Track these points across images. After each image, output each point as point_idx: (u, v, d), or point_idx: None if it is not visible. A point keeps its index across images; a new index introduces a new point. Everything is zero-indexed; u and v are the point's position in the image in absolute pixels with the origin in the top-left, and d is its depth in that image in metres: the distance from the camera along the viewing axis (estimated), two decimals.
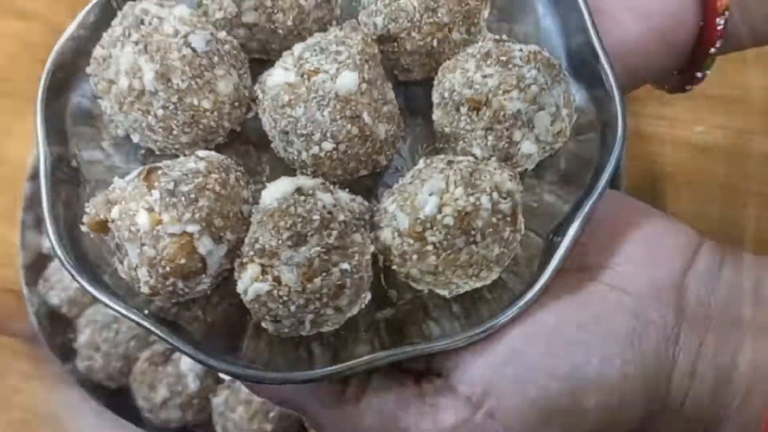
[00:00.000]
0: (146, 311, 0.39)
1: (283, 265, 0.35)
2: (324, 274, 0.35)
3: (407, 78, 0.43)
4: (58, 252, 0.39)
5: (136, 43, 0.38)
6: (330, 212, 0.36)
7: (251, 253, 0.36)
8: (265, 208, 0.37)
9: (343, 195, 0.38)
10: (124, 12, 0.40)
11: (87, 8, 0.44)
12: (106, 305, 0.38)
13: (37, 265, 0.72)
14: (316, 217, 0.35)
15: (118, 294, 0.39)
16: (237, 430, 0.62)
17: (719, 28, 0.44)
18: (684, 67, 0.47)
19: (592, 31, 0.42)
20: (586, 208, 0.39)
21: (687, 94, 0.55)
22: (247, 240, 0.37)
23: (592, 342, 0.36)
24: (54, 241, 0.39)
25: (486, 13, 0.43)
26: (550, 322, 0.37)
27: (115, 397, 0.67)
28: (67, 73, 0.43)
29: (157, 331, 0.38)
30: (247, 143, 0.43)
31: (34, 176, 0.73)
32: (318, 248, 0.35)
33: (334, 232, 0.35)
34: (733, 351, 0.36)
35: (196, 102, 0.39)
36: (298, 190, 0.37)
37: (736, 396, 0.36)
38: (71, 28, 0.43)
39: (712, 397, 0.37)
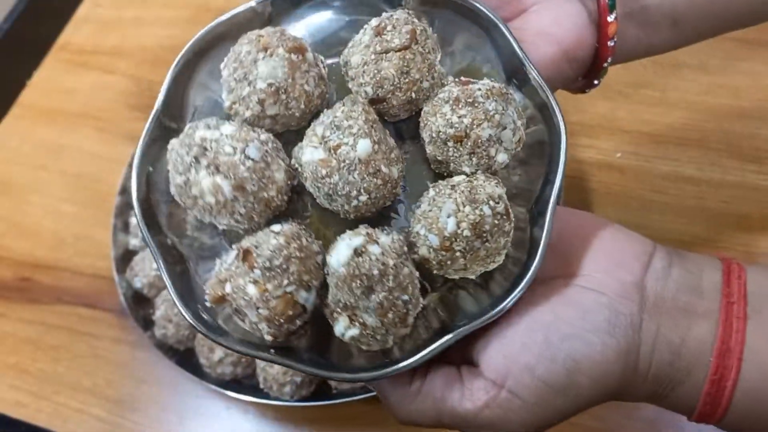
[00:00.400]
0: (271, 350, 0.44)
1: (363, 313, 0.42)
2: (392, 308, 0.41)
3: (395, 119, 0.48)
4: (190, 320, 0.44)
5: (208, 166, 0.42)
6: (383, 263, 0.41)
7: (338, 309, 0.42)
8: (337, 274, 0.42)
9: (385, 239, 0.43)
10: (186, 142, 0.43)
11: (144, 135, 0.47)
12: (238, 351, 0.44)
13: (125, 257, 0.77)
14: (375, 272, 0.41)
15: (240, 339, 0.45)
16: (273, 381, 0.67)
17: (610, 47, 0.49)
18: (585, 76, 0.52)
19: (514, 44, 0.47)
20: (557, 182, 0.45)
21: (608, 129, 0.66)
22: (331, 297, 0.43)
23: (579, 333, 0.41)
24: (184, 313, 0.44)
25: (438, 57, 0.47)
26: (547, 320, 0.42)
27: (183, 356, 0.72)
28: (148, 179, 0.48)
29: (281, 361, 0.44)
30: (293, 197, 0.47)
31: (122, 192, 0.81)
32: (383, 293, 0.41)
33: (390, 277, 0.41)
34: (682, 333, 0.42)
35: (266, 195, 0.44)
36: (355, 251, 0.41)
37: (686, 365, 0.41)
38: (139, 150, 0.47)
39: (668, 367, 0.42)
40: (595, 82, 0.52)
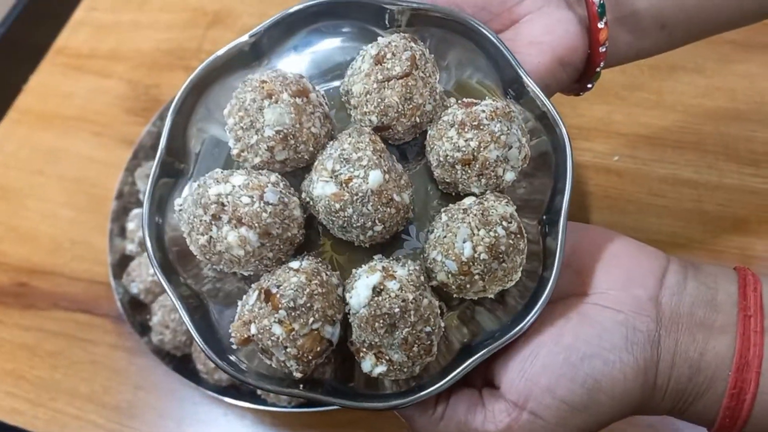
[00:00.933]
0: (301, 385, 0.44)
1: (389, 350, 0.42)
2: (417, 342, 0.42)
3: (400, 143, 0.48)
4: (222, 367, 0.44)
5: (230, 221, 0.42)
6: (403, 299, 0.41)
7: (363, 348, 0.43)
8: (359, 315, 0.42)
9: (402, 273, 0.43)
10: (201, 202, 0.43)
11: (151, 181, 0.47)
12: (267, 389, 0.44)
13: (121, 263, 0.77)
14: (396, 309, 0.41)
15: (266, 376, 0.45)
16: None
17: (601, 53, 0.49)
18: (578, 80, 0.52)
19: (509, 56, 0.47)
20: (567, 191, 0.45)
21: (605, 132, 0.66)
22: (355, 337, 0.43)
23: (598, 352, 0.42)
24: (218, 362, 0.44)
25: (438, 78, 0.47)
26: (566, 341, 0.42)
27: (180, 362, 0.72)
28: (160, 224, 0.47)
29: (310, 396, 0.44)
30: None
31: (119, 196, 0.80)
32: (407, 329, 0.42)
33: (412, 312, 0.41)
34: (700, 348, 0.42)
35: (289, 234, 0.44)
36: (374, 290, 0.42)
37: (704, 380, 0.42)
38: (146, 202, 0.47)
39: (687, 382, 0.42)
40: (589, 85, 0.53)
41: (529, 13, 0.50)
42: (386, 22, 0.50)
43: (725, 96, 0.77)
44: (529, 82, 0.47)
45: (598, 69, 0.51)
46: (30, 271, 0.82)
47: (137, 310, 0.75)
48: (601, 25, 0.48)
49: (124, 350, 0.75)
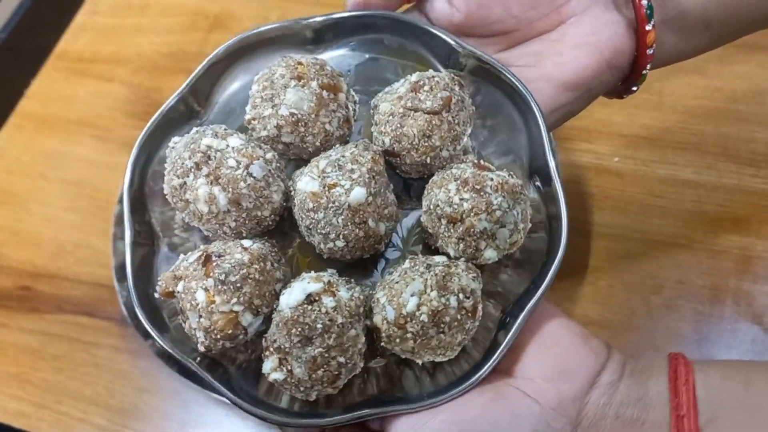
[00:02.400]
0: (198, 358, 0.44)
1: (294, 361, 0.41)
2: (325, 366, 0.40)
3: (406, 176, 0.48)
4: (135, 301, 0.44)
5: (208, 175, 0.42)
6: (331, 318, 0.40)
7: (272, 348, 0.41)
8: (282, 314, 0.41)
9: (344, 294, 0.42)
10: (190, 147, 0.43)
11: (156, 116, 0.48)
12: (165, 350, 0.44)
13: (124, 266, 0.68)
14: (319, 325, 0.40)
15: (177, 338, 0.44)
16: None
17: (649, 55, 0.48)
18: (623, 82, 0.52)
19: (547, 147, 0.45)
20: (537, 294, 0.43)
21: (605, 134, 0.67)
22: (269, 334, 0.42)
23: None
24: (133, 292, 0.45)
25: (468, 131, 0.46)
26: (471, 415, 0.41)
27: (184, 365, 0.69)
28: (145, 164, 0.48)
29: (204, 375, 0.43)
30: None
31: (121, 200, 0.80)
32: (320, 349, 0.40)
33: (333, 335, 0.40)
34: None
35: (259, 214, 0.43)
36: (308, 297, 0.41)
37: None
38: (141, 137, 0.48)
39: None
40: (634, 88, 0.52)
41: (576, 14, 0.50)
42: (449, 60, 0.49)
43: (726, 97, 0.77)
44: (555, 176, 0.45)
45: (644, 71, 0.50)
46: (33, 275, 0.82)
47: None
48: (649, 27, 0.47)
49: (128, 353, 0.75)
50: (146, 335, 0.72)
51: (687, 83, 0.79)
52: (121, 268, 0.76)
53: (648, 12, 0.47)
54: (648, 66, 0.50)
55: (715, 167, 0.73)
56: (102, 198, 0.85)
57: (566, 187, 0.46)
